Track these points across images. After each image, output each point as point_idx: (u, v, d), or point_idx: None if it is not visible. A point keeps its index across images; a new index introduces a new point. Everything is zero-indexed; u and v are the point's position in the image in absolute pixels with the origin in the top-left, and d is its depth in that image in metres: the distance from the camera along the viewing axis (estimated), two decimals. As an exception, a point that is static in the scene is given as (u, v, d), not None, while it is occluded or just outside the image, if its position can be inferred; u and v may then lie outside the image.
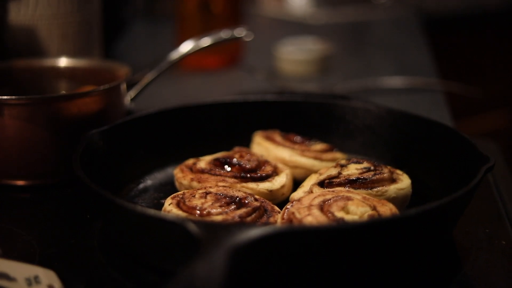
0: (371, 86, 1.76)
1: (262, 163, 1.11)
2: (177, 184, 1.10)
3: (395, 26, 2.69)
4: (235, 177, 1.06)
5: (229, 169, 1.09)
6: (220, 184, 1.05)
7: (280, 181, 1.07)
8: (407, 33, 2.55)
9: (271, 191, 1.05)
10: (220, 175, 1.07)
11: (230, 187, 1.02)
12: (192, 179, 1.07)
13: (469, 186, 0.89)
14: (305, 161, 1.15)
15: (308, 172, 1.13)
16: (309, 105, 1.29)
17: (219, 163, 1.10)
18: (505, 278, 0.90)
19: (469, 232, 0.99)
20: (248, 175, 1.06)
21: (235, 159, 1.10)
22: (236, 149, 1.15)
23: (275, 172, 1.09)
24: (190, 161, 1.12)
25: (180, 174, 1.09)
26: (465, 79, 3.00)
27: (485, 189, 1.12)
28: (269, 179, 1.07)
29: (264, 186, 1.05)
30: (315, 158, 1.15)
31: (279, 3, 3.05)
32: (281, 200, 1.07)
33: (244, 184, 1.05)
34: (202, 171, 1.08)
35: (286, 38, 2.10)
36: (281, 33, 2.38)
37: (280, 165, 1.12)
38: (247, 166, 1.08)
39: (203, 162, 1.11)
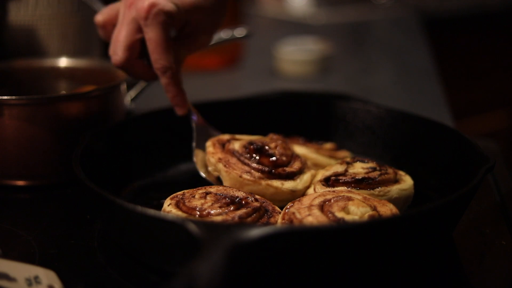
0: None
1: (293, 157, 1.08)
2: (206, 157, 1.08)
3: (395, 26, 2.69)
4: (262, 171, 1.03)
5: (258, 158, 1.06)
6: (244, 176, 1.03)
7: (304, 181, 1.04)
8: (407, 33, 2.55)
9: (294, 191, 1.03)
10: (247, 165, 1.04)
11: (253, 181, 1.01)
12: (220, 160, 1.04)
13: (469, 186, 0.89)
14: (322, 159, 1.15)
15: None
16: (309, 105, 1.29)
17: (252, 149, 1.07)
18: (505, 278, 0.90)
19: (469, 232, 0.99)
20: (275, 171, 1.04)
21: (268, 148, 1.07)
22: (271, 135, 1.14)
23: (302, 170, 1.07)
24: (226, 137, 1.10)
25: (211, 148, 1.07)
26: (465, 79, 3.01)
27: (485, 189, 1.12)
28: (295, 177, 1.05)
29: (288, 186, 1.03)
30: (330, 156, 1.15)
31: (279, 3, 3.05)
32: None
33: (269, 182, 1.02)
34: (232, 153, 1.06)
35: (286, 38, 2.10)
36: (281, 33, 2.38)
37: (309, 162, 1.10)
38: (280, 158, 1.05)
39: (237, 143, 1.08)
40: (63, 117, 1.12)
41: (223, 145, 1.08)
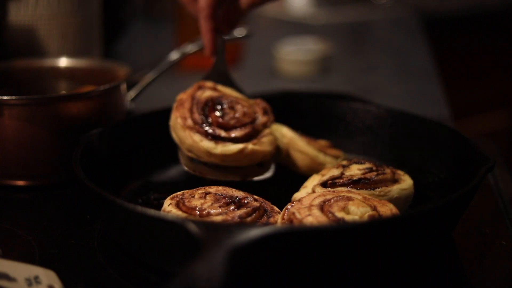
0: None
1: (243, 127, 1.07)
2: None
3: (395, 26, 2.69)
4: (195, 122, 1.05)
5: (208, 111, 1.08)
6: (178, 120, 1.05)
7: (227, 149, 1.04)
8: (407, 33, 2.55)
9: (209, 153, 1.03)
10: (191, 112, 1.06)
11: (181, 126, 1.04)
12: (179, 100, 1.08)
13: (469, 186, 0.89)
14: (310, 149, 1.14)
15: (311, 162, 1.13)
16: (309, 105, 1.29)
17: (211, 103, 1.08)
18: (505, 278, 0.90)
19: (469, 232, 0.99)
20: (209, 128, 1.05)
21: (227, 107, 1.08)
22: (258, 100, 1.14)
23: (239, 140, 1.06)
24: (209, 84, 1.12)
25: (190, 88, 1.10)
26: (465, 79, 3.01)
27: (485, 189, 1.12)
28: (220, 142, 1.04)
29: (205, 144, 1.04)
30: (320, 150, 1.15)
31: (279, 3, 3.05)
32: (231, 165, 1.07)
33: (191, 133, 1.04)
34: (192, 98, 1.08)
35: (286, 38, 2.10)
36: (281, 33, 2.38)
37: (266, 137, 1.09)
38: (225, 120, 1.06)
39: (208, 93, 1.10)
40: (63, 117, 1.12)
41: (198, 88, 1.11)
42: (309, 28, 2.63)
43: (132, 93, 1.32)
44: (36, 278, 0.81)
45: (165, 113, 1.21)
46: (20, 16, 1.40)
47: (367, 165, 1.05)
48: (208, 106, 1.08)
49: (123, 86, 1.24)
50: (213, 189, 0.98)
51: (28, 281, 0.80)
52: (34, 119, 1.10)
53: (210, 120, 1.06)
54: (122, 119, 1.23)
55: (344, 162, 1.07)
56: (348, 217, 0.87)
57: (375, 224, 0.82)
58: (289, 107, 1.29)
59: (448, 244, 0.95)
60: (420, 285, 0.87)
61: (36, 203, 1.12)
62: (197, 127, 1.05)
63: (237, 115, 1.08)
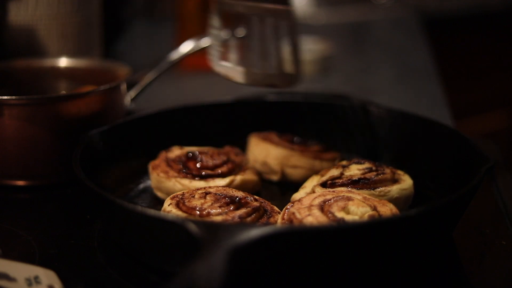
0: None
1: (224, 161, 1.10)
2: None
3: (395, 26, 2.69)
4: (179, 171, 1.07)
5: (186, 163, 1.10)
6: (160, 174, 1.07)
7: (223, 182, 1.07)
8: (407, 33, 2.55)
9: None
10: (170, 166, 1.08)
11: (165, 178, 1.05)
12: (154, 167, 1.09)
13: (469, 186, 0.89)
14: (305, 160, 1.15)
15: (308, 172, 1.13)
16: (309, 105, 1.29)
17: (185, 156, 1.11)
18: (505, 278, 0.90)
19: (469, 232, 0.99)
20: (195, 171, 1.08)
21: (199, 156, 1.11)
22: (227, 148, 1.15)
23: (235, 170, 1.09)
24: (175, 147, 1.14)
25: (155, 163, 1.11)
26: (465, 79, 3.01)
27: (485, 189, 1.12)
28: (209, 179, 1.07)
29: (197, 184, 1.05)
30: (315, 158, 1.15)
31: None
32: None
33: (178, 179, 1.06)
34: (166, 159, 1.10)
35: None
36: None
37: (249, 169, 1.11)
38: (203, 164, 1.09)
39: (177, 151, 1.12)
40: (63, 117, 1.12)
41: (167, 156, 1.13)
42: (309, 28, 2.63)
43: (132, 93, 1.32)
44: (36, 278, 0.81)
45: (165, 113, 1.22)
46: (20, 16, 1.39)
47: (367, 165, 1.05)
48: (184, 159, 1.11)
49: (123, 86, 1.24)
50: (213, 189, 0.98)
51: (28, 281, 0.80)
52: (34, 119, 1.10)
53: (190, 168, 1.09)
54: (122, 119, 1.23)
55: (344, 162, 1.07)
56: (348, 217, 0.87)
57: (375, 224, 0.82)
58: (288, 107, 1.29)
59: (448, 244, 0.95)
60: (420, 285, 0.87)
61: (36, 203, 1.12)
62: (182, 174, 1.07)
63: (214, 157, 1.11)
